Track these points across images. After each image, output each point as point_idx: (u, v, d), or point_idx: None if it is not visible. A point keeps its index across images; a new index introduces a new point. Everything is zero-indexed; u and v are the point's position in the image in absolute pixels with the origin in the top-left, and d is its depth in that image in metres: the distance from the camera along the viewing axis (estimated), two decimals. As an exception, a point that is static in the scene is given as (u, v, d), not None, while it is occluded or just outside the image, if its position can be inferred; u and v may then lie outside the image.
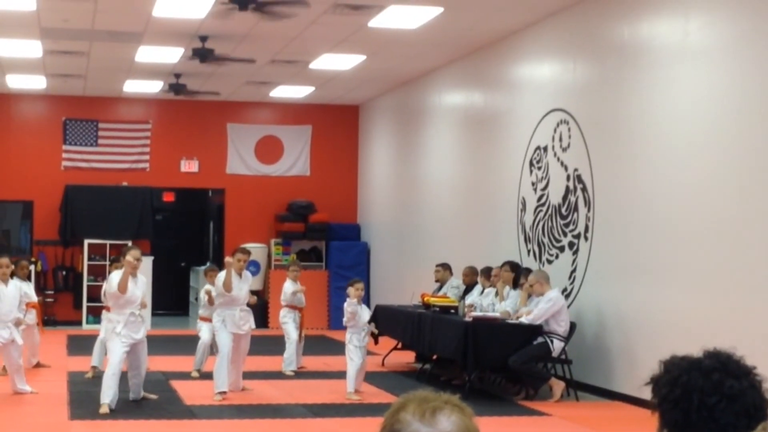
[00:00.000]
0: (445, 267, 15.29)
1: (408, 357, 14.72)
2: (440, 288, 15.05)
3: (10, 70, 18.32)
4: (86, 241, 20.64)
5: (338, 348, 17.23)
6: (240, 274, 11.96)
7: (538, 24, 14.05)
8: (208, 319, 13.17)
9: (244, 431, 10.18)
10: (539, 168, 14.08)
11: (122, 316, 10.90)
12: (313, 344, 16.10)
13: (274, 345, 15.45)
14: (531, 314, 12.28)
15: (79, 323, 20.42)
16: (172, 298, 23.17)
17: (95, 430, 10.04)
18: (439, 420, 2.17)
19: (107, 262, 19.39)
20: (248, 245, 18.94)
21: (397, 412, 2.21)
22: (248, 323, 12.09)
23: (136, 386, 11.34)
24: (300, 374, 13.80)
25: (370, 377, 12.70)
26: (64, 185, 20.93)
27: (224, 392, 11.68)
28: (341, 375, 13.85)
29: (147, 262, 17.53)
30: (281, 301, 14.39)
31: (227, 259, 12.17)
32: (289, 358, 13.87)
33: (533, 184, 14.26)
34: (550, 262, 13.62)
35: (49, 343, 14.81)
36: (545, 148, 13.91)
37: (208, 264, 21.60)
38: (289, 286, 14.30)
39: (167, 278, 22.58)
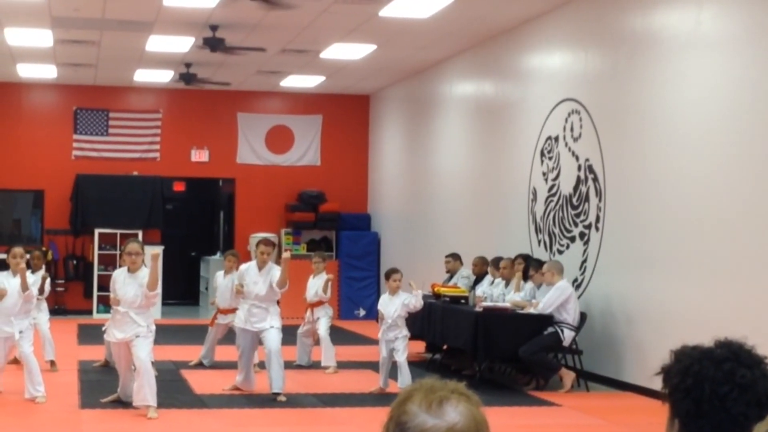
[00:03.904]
0: (455, 257, 15.27)
1: (418, 347, 14.71)
2: (450, 278, 15.03)
3: (21, 59, 18.32)
4: (97, 231, 20.66)
5: (348, 338, 17.25)
6: (261, 267, 11.32)
7: (550, 14, 14.00)
8: (228, 311, 13.10)
9: (253, 421, 10.18)
10: (550, 158, 14.04)
11: (113, 313, 10.44)
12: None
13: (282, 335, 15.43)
14: (540, 304, 12.28)
15: (89, 312, 20.45)
16: (182, 288, 23.20)
17: (105, 419, 10.05)
18: (446, 410, 2.14)
19: (118, 252, 19.44)
20: (258, 235, 18.96)
21: (403, 403, 2.18)
22: (263, 321, 11.20)
23: (125, 388, 10.50)
24: (310, 364, 13.78)
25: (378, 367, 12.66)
26: (75, 174, 20.95)
27: (236, 387, 11.56)
28: (351, 365, 13.87)
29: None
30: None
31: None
32: (327, 355, 13.46)
33: (544, 174, 14.22)
34: (560, 252, 13.59)
35: (60, 332, 14.83)
36: (556, 138, 13.87)
37: (218, 254, 21.66)
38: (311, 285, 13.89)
39: (178, 268, 22.61)
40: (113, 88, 21.25)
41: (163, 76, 19.85)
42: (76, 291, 21.02)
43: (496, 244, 15.22)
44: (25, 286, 10.66)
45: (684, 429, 2.52)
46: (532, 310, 12.37)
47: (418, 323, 13.44)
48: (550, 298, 12.18)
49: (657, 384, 2.63)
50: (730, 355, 2.52)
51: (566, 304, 12.17)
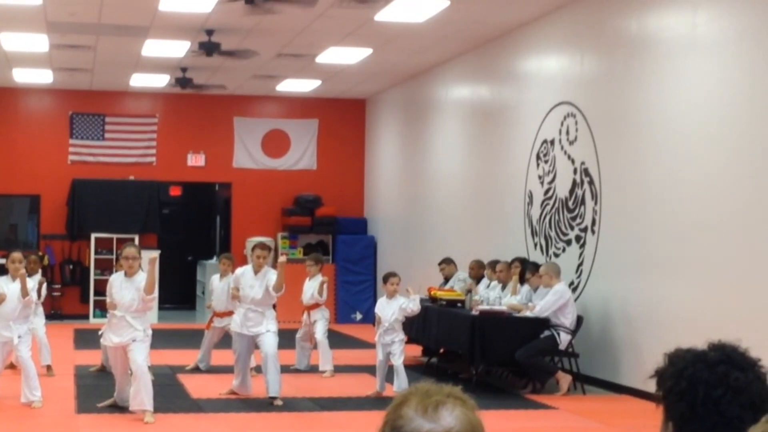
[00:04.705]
0: (448, 261, 15.27)
1: (415, 350, 14.71)
2: (446, 282, 15.02)
3: (17, 64, 18.32)
4: (93, 236, 20.65)
5: (345, 342, 17.24)
6: (257, 272, 11.30)
7: (546, 17, 14.01)
8: (225, 314, 13.16)
9: (250, 425, 10.17)
10: (546, 161, 14.05)
11: (110, 317, 10.40)
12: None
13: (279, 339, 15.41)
14: (537, 307, 12.28)
15: (86, 317, 20.44)
16: (178, 292, 23.17)
17: (102, 424, 10.04)
18: (442, 415, 2.14)
19: (114, 256, 19.41)
20: (254, 239, 18.96)
21: (398, 408, 2.17)
22: (260, 325, 11.18)
23: (121, 393, 10.49)
24: (309, 368, 13.77)
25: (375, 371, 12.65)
26: (71, 179, 20.93)
27: (232, 391, 11.56)
28: (348, 369, 13.87)
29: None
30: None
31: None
32: (324, 358, 13.43)
33: (540, 177, 14.22)
34: (557, 255, 13.59)
35: (56, 337, 14.82)
36: (552, 142, 13.87)
37: (215, 258, 21.64)
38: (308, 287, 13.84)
39: (174, 272, 22.57)
40: (109, 92, 21.24)
41: (159, 81, 19.84)
42: (72, 296, 21.00)
43: (492, 247, 15.22)
44: (25, 292, 10.66)
45: (678, 432, 2.53)
46: (528, 314, 12.37)
47: (414, 327, 13.45)
48: (548, 302, 12.17)
49: (653, 386, 2.64)
50: (724, 358, 2.53)
51: (564, 308, 12.16)
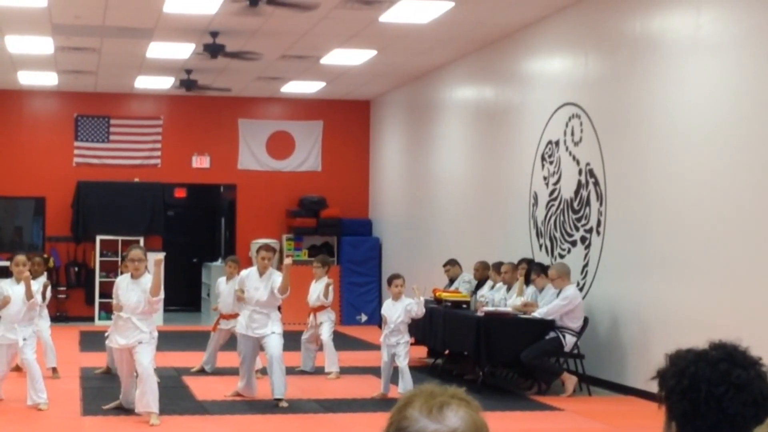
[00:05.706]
0: (453, 263, 15.27)
1: (420, 352, 14.71)
2: (451, 284, 15.02)
3: (22, 66, 18.34)
4: (98, 238, 20.68)
5: (350, 343, 17.24)
6: (262, 273, 11.31)
7: (550, 18, 14.01)
8: (231, 316, 13.15)
9: (255, 427, 10.18)
10: (551, 162, 14.05)
11: (116, 319, 10.43)
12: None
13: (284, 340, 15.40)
14: (544, 308, 12.25)
15: (91, 319, 20.46)
16: (183, 294, 23.18)
17: (107, 426, 10.05)
18: (447, 416, 2.15)
19: (119, 258, 19.43)
20: (259, 241, 18.97)
21: (403, 409, 2.18)
22: (264, 327, 11.17)
23: (127, 395, 10.53)
24: (314, 370, 13.77)
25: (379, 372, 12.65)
26: (76, 181, 20.96)
27: (237, 393, 11.56)
28: (353, 371, 13.87)
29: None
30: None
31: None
32: (330, 360, 13.44)
33: (545, 178, 14.22)
34: (562, 256, 13.59)
35: (62, 339, 14.83)
36: (557, 143, 13.87)
37: (220, 260, 21.67)
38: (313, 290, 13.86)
39: (179, 274, 22.58)
40: (114, 94, 21.27)
41: (164, 83, 19.87)
42: (77, 298, 21.02)
43: (497, 248, 15.21)
44: (29, 294, 10.70)
45: (681, 431, 2.54)
46: (536, 313, 12.32)
47: (419, 328, 13.45)
48: (555, 306, 12.13)
49: (656, 388, 2.65)
50: (725, 356, 2.54)
51: (571, 312, 12.15)
